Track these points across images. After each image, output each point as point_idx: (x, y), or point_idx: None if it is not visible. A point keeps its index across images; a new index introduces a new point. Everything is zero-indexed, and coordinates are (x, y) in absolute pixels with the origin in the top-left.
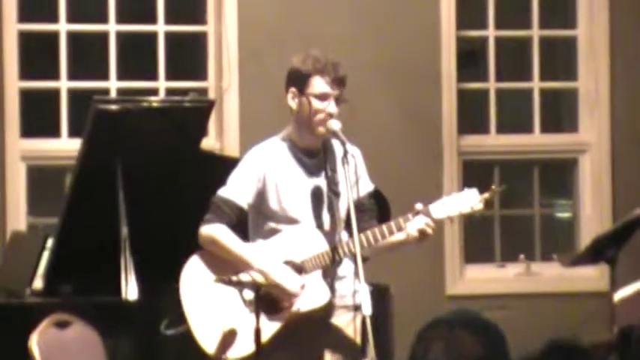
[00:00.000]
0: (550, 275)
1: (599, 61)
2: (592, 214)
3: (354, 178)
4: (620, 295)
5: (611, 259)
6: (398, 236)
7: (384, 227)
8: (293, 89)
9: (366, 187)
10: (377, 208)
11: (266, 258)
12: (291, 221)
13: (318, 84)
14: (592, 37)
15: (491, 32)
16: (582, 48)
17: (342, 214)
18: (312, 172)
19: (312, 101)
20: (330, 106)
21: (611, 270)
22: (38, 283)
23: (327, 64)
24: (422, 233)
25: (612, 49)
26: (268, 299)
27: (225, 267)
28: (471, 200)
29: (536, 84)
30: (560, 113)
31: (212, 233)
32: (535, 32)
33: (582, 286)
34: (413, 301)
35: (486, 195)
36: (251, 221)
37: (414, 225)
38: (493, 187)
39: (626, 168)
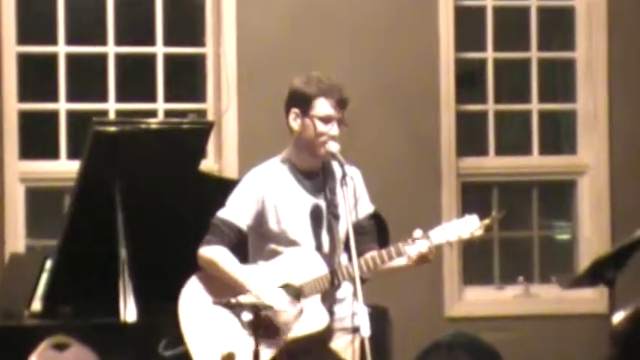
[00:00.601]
0: (549, 297)
1: (598, 83)
2: (591, 236)
3: (353, 200)
4: (618, 317)
5: (610, 281)
6: (397, 261)
7: (384, 252)
8: (296, 110)
9: (366, 208)
10: (376, 230)
11: (261, 282)
12: (291, 242)
13: (323, 106)
14: (590, 59)
15: (490, 54)
16: (581, 70)
17: (342, 236)
18: (311, 193)
19: (316, 123)
20: (333, 129)
21: (610, 292)
22: (37, 305)
23: (331, 87)
24: (422, 258)
25: (611, 71)
26: (267, 322)
27: (225, 289)
28: (470, 226)
29: (534, 106)
30: (559, 135)
31: (211, 255)
32: (534, 54)
33: (581, 308)
34: (412, 323)
35: (486, 221)
36: (251, 243)
37: (414, 249)
38: (493, 213)
39: (625, 190)
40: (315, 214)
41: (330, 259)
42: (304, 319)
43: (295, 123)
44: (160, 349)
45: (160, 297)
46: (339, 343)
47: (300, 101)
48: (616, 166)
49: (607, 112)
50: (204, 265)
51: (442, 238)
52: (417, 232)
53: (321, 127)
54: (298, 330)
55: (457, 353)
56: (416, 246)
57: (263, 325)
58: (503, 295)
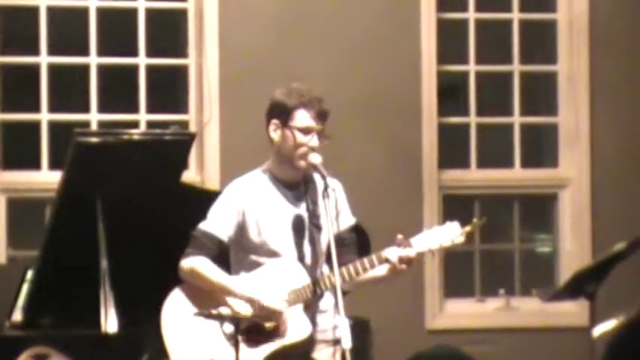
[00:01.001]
0: (530, 310)
1: (580, 96)
2: (572, 249)
3: (335, 212)
4: (599, 330)
5: (590, 295)
6: (379, 271)
7: (365, 260)
8: (275, 121)
9: (347, 221)
10: (357, 242)
11: (248, 285)
12: (272, 254)
13: (303, 117)
14: (572, 73)
15: (472, 67)
16: (562, 83)
17: (324, 247)
18: (293, 204)
19: (295, 134)
20: (313, 141)
21: (590, 305)
22: (17, 316)
23: (312, 99)
24: (403, 261)
25: (592, 84)
26: (250, 332)
27: (207, 300)
28: (452, 233)
29: (516, 119)
30: (541, 148)
31: (193, 265)
32: (516, 67)
33: (562, 321)
34: (393, 335)
35: (468, 228)
36: (233, 255)
37: (395, 253)
38: (475, 220)
39: (606, 203)
40: (297, 225)
41: (312, 270)
42: (287, 329)
43: (275, 134)
44: None
45: (143, 309)
46: (322, 355)
47: (280, 112)
48: (597, 180)
49: (588, 125)
50: (187, 276)
51: (424, 246)
52: (399, 237)
53: (300, 138)
54: (281, 340)
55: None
56: (397, 250)
57: (246, 335)
58: (484, 308)
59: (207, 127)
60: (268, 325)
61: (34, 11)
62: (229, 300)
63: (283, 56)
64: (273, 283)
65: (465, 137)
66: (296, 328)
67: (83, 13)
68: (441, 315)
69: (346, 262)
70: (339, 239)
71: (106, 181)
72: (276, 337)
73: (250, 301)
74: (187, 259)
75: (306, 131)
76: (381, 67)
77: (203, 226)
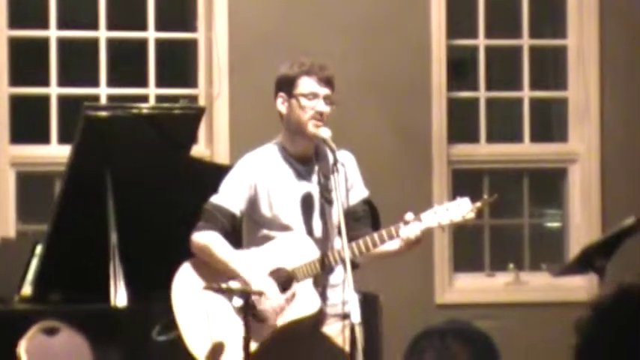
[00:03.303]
0: (539, 284)
1: (589, 70)
2: (581, 224)
3: (345, 187)
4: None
5: (600, 269)
6: (389, 245)
7: (376, 235)
8: (282, 94)
9: (360, 194)
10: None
11: (252, 268)
12: (284, 228)
13: (306, 83)
14: (582, 47)
15: (481, 41)
16: (572, 57)
17: (335, 221)
18: (303, 178)
19: (300, 100)
20: (320, 105)
21: (599, 280)
22: (27, 290)
23: (313, 65)
24: (413, 239)
25: (602, 58)
26: (256, 308)
27: (217, 274)
28: (462, 209)
29: (526, 93)
30: (550, 123)
31: (204, 240)
32: (525, 41)
33: (571, 296)
34: (402, 310)
35: (478, 204)
36: (245, 228)
37: (405, 231)
38: (485, 196)
39: (616, 178)
40: (308, 199)
41: (323, 244)
42: (296, 303)
43: (283, 107)
44: (153, 334)
45: (153, 283)
46: (331, 329)
47: (285, 84)
48: (607, 155)
49: (598, 99)
50: (197, 250)
51: (434, 221)
52: (409, 215)
53: (305, 102)
54: (290, 314)
55: (449, 340)
56: (408, 228)
57: (254, 310)
58: (493, 283)
59: (217, 102)
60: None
61: None
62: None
63: (292, 30)
64: (283, 257)
65: (475, 112)
66: (305, 303)
67: None
68: (451, 290)
69: (359, 235)
70: (352, 212)
71: (115, 155)
72: (285, 310)
73: (244, 283)
74: (199, 233)
75: (311, 96)
76: (390, 42)
77: (215, 199)
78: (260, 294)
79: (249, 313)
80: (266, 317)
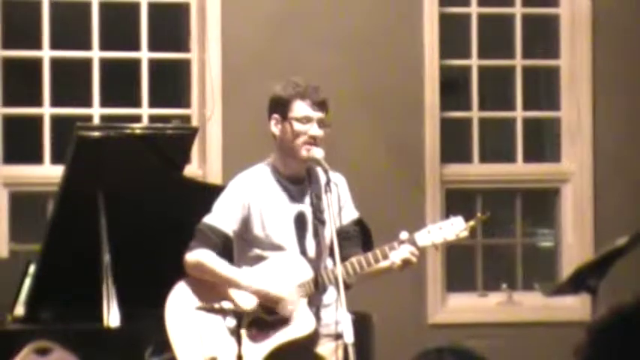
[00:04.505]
0: (532, 304)
1: (581, 90)
2: (574, 244)
3: (337, 206)
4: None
5: (592, 289)
6: (382, 263)
7: (370, 255)
8: (275, 116)
9: (351, 214)
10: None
11: (253, 277)
12: (276, 248)
13: (300, 107)
14: (574, 67)
15: (474, 61)
16: (564, 78)
17: (327, 241)
18: (296, 198)
19: (294, 125)
20: (313, 129)
21: (592, 300)
22: (19, 310)
23: (307, 88)
24: (406, 262)
25: (594, 79)
26: (254, 327)
27: (212, 294)
28: (456, 228)
29: (519, 113)
30: (543, 143)
31: (198, 258)
32: (518, 62)
33: (564, 316)
34: (395, 329)
35: (471, 222)
36: (236, 248)
37: (398, 254)
38: (478, 214)
39: (608, 198)
40: (300, 220)
41: (316, 264)
42: (291, 324)
43: (276, 128)
44: (146, 355)
45: (146, 304)
46: (325, 349)
47: (279, 106)
48: (599, 174)
49: (590, 120)
50: (192, 270)
51: (427, 241)
52: (403, 234)
53: (299, 127)
54: (285, 334)
55: (445, 356)
56: (400, 251)
57: (249, 330)
58: (486, 302)
59: (210, 122)
60: (270, 318)
61: (36, 5)
62: (233, 293)
63: (285, 50)
64: (277, 276)
65: (467, 131)
66: (301, 323)
67: (85, 6)
68: (443, 309)
69: (349, 255)
70: (343, 233)
71: (108, 175)
72: (280, 331)
73: (257, 293)
74: (192, 253)
75: (304, 121)
76: (383, 61)
77: (208, 219)
78: (266, 299)
79: (245, 332)
80: (269, 330)
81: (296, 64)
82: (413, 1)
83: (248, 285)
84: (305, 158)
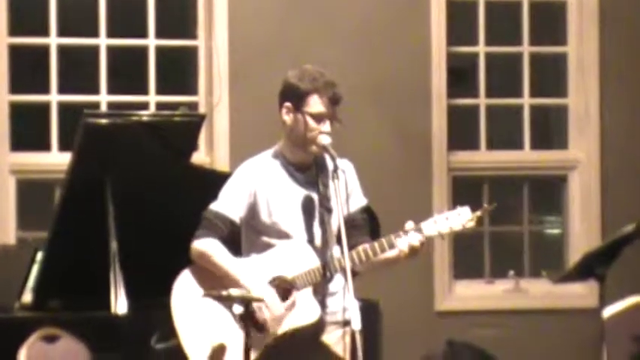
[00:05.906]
0: (539, 292)
1: (589, 78)
2: (581, 231)
3: (345, 194)
4: (608, 311)
5: (600, 276)
6: (389, 253)
7: (376, 244)
8: (288, 104)
9: (358, 202)
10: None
11: (252, 276)
12: (283, 235)
13: (316, 103)
14: (582, 54)
15: (481, 48)
16: (572, 65)
17: (334, 229)
18: (303, 186)
19: (307, 120)
20: (325, 126)
21: (600, 287)
22: (27, 297)
23: (325, 84)
24: (413, 250)
25: (602, 66)
26: (256, 317)
27: (217, 282)
28: (462, 218)
29: (526, 100)
30: (550, 130)
31: (204, 248)
32: (525, 49)
33: (571, 303)
34: (402, 317)
35: (478, 213)
36: (244, 236)
37: (405, 241)
38: (485, 205)
39: (615, 185)
40: (307, 207)
41: (322, 251)
42: (296, 312)
43: (287, 117)
44: (152, 342)
45: (153, 291)
46: (331, 337)
47: (293, 96)
48: (607, 161)
49: (598, 106)
50: (197, 258)
51: (434, 230)
52: (409, 224)
53: (312, 124)
54: (290, 322)
55: (458, 347)
56: (407, 238)
57: (255, 317)
58: (493, 290)
59: (217, 109)
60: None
61: None
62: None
63: (292, 38)
64: (283, 265)
65: (475, 119)
66: (305, 312)
67: None
68: (451, 297)
69: (357, 243)
70: (351, 220)
71: (116, 162)
72: (284, 319)
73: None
74: (199, 241)
75: (319, 117)
76: (391, 49)
77: (214, 206)
78: (260, 301)
79: (250, 320)
80: (266, 326)
81: (303, 52)
82: None
83: (245, 286)
84: (314, 152)
